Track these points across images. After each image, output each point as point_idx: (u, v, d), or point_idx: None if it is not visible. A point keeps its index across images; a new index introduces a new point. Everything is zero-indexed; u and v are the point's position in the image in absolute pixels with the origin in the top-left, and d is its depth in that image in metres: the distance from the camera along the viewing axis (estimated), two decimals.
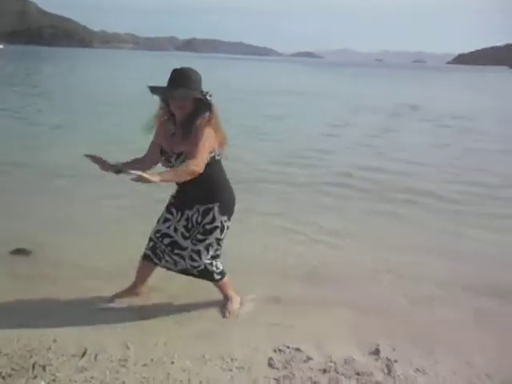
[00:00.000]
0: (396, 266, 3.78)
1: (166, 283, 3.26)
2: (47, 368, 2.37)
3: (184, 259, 2.81)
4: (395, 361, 2.55)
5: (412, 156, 8.38)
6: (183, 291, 3.20)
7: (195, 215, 2.75)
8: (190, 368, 2.42)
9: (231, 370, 2.42)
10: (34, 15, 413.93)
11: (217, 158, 2.70)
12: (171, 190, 2.89)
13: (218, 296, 3.06)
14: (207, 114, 2.59)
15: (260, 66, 72.19)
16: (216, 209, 2.72)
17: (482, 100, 23.27)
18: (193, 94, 2.55)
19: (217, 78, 23.41)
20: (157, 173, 2.38)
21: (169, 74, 2.62)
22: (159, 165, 2.79)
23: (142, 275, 3.03)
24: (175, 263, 2.86)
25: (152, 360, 2.48)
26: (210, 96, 2.59)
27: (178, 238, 2.80)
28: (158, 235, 2.86)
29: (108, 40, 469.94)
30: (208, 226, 2.73)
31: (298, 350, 2.61)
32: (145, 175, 2.25)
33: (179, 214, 2.80)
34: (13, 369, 2.35)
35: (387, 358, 2.57)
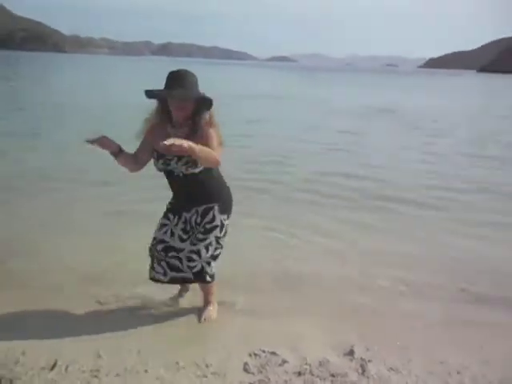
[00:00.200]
0: (369, 269, 3.81)
1: (139, 290, 3.23)
2: (15, 382, 2.30)
3: (181, 261, 2.78)
4: (369, 361, 2.58)
5: (383, 160, 8.46)
6: (157, 297, 3.16)
7: (194, 217, 2.73)
8: (163, 376, 2.38)
9: (206, 377, 2.39)
10: (3, 18, 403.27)
11: None
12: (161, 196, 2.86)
13: (192, 302, 3.04)
14: (207, 114, 2.60)
15: (236, 70, 72.44)
16: (216, 208, 2.73)
17: (452, 103, 23.88)
18: (199, 95, 2.56)
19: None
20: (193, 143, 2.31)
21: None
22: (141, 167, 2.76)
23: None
24: (165, 272, 2.81)
25: (125, 369, 2.43)
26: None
27: (174, 242, 2.78)
28: (153, 242, 2.86)
29: (82, 45, 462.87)
30: (208, 226, 2.73)
31: (273, 353, 2.61)
32: (185, 142, 2.25)
33: (176, 217, 2.78)
34: None
35: (361, 359, 2.60)
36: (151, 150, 2.70)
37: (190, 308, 3.05)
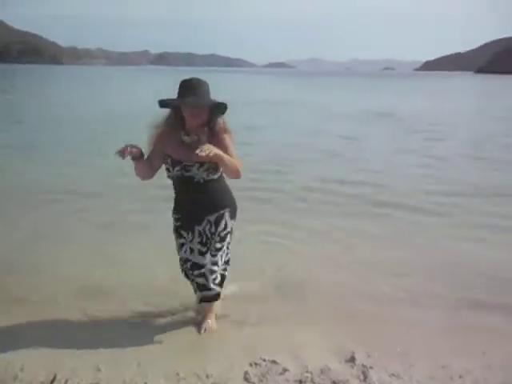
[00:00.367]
0: (368, 276, 3.79)
1: (137, 302, 3.22)
2: None
3: (206, 278, 2.73)
4: (370, 367, 2.56)
5: (381, 165, 8.43)
6: (156, 309, 3.15)
7: (207, 227, 2.72)
8: None
9: None
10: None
11: None
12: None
13: (191, 313, 3.03)
14: (221, 120, 2.66)
15: (234, 77, 72.72)
16: (227, 214, 2.76)
17: (450, 105, 23.92)
18: (214, 101, 2.59)
19: None
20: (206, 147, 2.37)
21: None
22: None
23: None
24: (200, 290, 2.78)
25: (124, 381, 2.41)
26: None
27: (195, 258, 2.75)
28: (181, 262, 2.87)
29: (79, 56, 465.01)
30: (222, 233, 2.76)
31: (273, 362, 2.59)
32: (216, 150, 2.36)
33: (190, 233, 2.75)
34: None
35: (363, 365, 2.58)
36: (162, 157, 2.70)
37: (189, 319, 3.03)
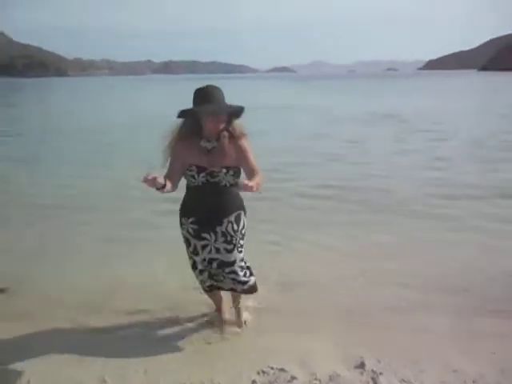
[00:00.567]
0: (377, 277, 3.75)
1: (142, 312, 3.20)
2: None
3: (237, 274, 2.83)
4: (380, 373, 2.52)
5: (384, 168, 8.34)
6: (162, 319, 3.13)
7: (229, 226, 2.77)
8: None
9: None
10: (3, 45, 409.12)
11: None
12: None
13: (199, 319, 3.01)
14: (238, 123, 2.71)
15: (237, 83, 72.93)
16: (242, 213, 2.84)
17: (454, 104, 23.77)
18: (235, 107, 2.63)
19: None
20: (253, 181, 2.48)
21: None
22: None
23: (217, 299, 3.11)
24: (227, 284, 2.89)
25: None
26: None
27: (223, 257, 2.80)
28: (205, 263, 2.85)
29: (83, 67, 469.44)
30: (243, 231, 2.84)
31: (282, 370, 2.56)
32: (256, 183, 2.46)
33: (212, 235, 2.77)
34: None
35: (372, 371, 2.54)
36: (183, 169, 2.69)
37: (195, 327, 3.02)
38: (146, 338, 2.92)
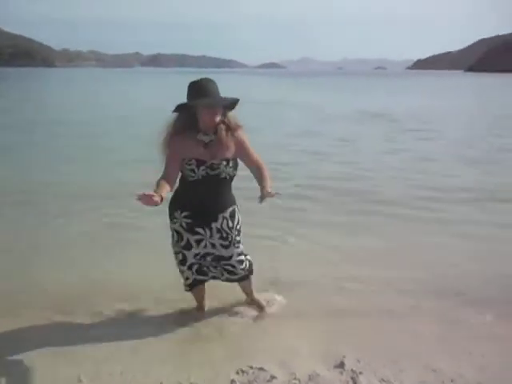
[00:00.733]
0: (358, 277, 3.71)
1: (119, 309, 3.15)
2: None
3: (234, 267, 2.85)
4: (360, 372, 2.50)
5: (374, 165, 8.34)
6: (137, 314, 3.09)
7: (224, 222, 2.76)
8: None
9: None
10: None
11: None
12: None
13: (177, 318, 2.99)
14: (232, 115, 2.73)
15: (226, 78, 72.51)
16: (237, 208, 2.85)
17: (443, 104, 23.98)
18: (231, 99, 2.63)
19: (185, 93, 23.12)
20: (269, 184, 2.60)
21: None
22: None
23: (200, 297, 3.09)
24: (222, 273, 2.90)
25: None
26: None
27: (219, 251, 2.80)
28: (198, 258, 2.82)
29: (70, 58, 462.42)
30: (238, 226, 2.84)
31: (261, 369, 2.52)
32: (269, 185, 2.58)
33: (207, 230, 2.75)
34: None
35: (352, 370, 2.52)
36: (181, 162, 2.63)
37: (172, 327, 2.95)
38: (122, 337, 2.85)
